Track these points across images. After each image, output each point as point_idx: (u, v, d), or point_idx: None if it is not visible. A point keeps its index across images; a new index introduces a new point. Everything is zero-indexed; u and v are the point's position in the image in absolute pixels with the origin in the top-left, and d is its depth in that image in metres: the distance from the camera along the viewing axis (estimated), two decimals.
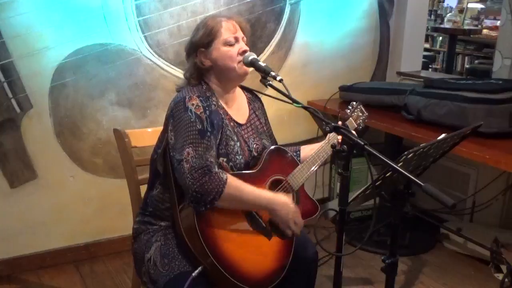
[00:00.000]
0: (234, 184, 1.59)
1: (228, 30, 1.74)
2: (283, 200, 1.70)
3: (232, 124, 1.78)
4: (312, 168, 1.84)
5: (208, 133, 1.63)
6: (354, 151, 1.50)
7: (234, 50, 1.74)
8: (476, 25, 6.67)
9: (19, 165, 2.66)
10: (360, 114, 2.01)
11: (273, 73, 1.68)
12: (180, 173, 1.57)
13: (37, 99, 2.63)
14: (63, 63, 2.64)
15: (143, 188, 1.91)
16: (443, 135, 1.62)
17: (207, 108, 1.67)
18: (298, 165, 1.84)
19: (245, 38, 1.79)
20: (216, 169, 1.58)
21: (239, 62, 1.74)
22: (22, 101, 2.60)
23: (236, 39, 1.75)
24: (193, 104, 1.65)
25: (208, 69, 1.76)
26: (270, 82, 1.73)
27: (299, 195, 1.84)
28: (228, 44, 1.73)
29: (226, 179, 1.57)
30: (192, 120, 1.62)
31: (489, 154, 2.30)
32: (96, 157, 2.84)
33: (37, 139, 2.68)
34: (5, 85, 2.55)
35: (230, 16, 1.81)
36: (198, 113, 1.64)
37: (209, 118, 1.65)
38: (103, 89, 2.76)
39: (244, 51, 1.75)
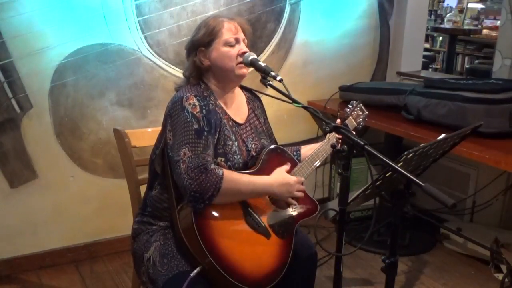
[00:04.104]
0: (231, 177, 1.60)
1: (229, 30, 1.74)
2: (280, 180, 1.72)
3: (230, 123, 1.78)
4: (311, 168, 1.85)
5: (205, 133, 1.63)
6: (354, 151, 1.50)
7: (233, 51, 1.73)
8: (476, 25, 6.67)
9: (19, 165, 2.67)
10: (360, 113, 2.01)
11: (273, 73, 1.69)
12: (178, 174, 1.57)
13: (37, 99, 2.63)
14: (63, 63, 2.64)
15: (143, 188, 1.91)
16: (443, 135, 1.62)
17: (204, 107, 1.67)
18: (297, 164, 1.85)
19: (246, 40, 1.79)
20: (212, 166, 1.58)
21: (238, 63, 1.74)
22: (22, 101, 2.61)
23: (237, 40, 1.75)
24: (190, 104, 1.65)
25: (207, 69, 1.76)
26: (270, 82, 1.73)
27: None
28: (228, 44, 1.73)
29: (223, 174, 1.57)
30: (188, 120, 1.62)
31: (489, 154, 2.29)
32: (96, 157, 2.84)
33: (37, 139, 2.68)
34: (5, 85, 2.55)
35: (233, 17, 1.80)
36: (195, 112, 1.64)
37: (205, 117, 1.65)
38: (103, 89, 2.76)
39: (244, 53, 1.75)
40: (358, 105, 2.01)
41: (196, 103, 1.66)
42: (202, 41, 1.74)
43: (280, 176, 1.75)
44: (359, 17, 3.46)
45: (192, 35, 1.79)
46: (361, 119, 2.01)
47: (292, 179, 1.76)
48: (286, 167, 1.80)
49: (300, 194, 1.78)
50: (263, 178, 1.71)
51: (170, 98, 1.73)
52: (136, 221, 1.83)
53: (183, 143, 1.59)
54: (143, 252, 1.73)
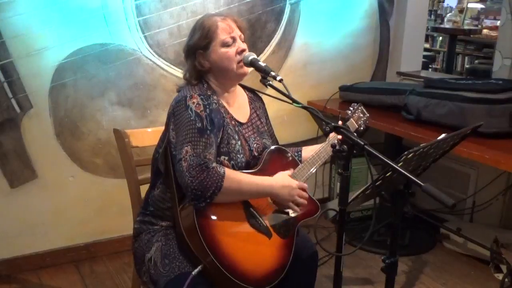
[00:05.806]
0: (233, 177, 1.60)
1: (224, 30, 1.73)
2: (281, 182, 1.71)
3: (233, 123, 1.78)
4: (312, 168, 1.85)
5: (208, 131, 1.63)
6: (354, 151, 1.50)
7: (232, 51, 1.73)
8: (476, 25, 6.67)
9: (19, 165, 2.66)
10: (361, 115, 2.01)
11: (273, 73, 1.69)
12: (179, 172, 1.58)
13: (37, 99, 2.63)
14: (63, 63, 2.64)
15: (143, 188, 1.91)
16: (443, 135, 1.62)
17: (207, 106, 1.67)
18: (299, 165, 1.85)
19: (242, 36, 1.78)
20: (214, 164, 1.58)
21: (238, 62, 1.74)
22: (22, 101, 2.60)
23: (233, 39, 1.74)
24: (193, 103, 1.65)
25: (207, 71, 1.76)
26: (270, 82, 1.73)
27: None
28: (226, 45, 1.73)
29: (224, 173, 1.57)
30: (192, 118, 1.63)
31: (489, 154, 2.30)
32: (96, 157, 2.84)
33: (37, 139, 2.68)
34: (5, 85, 2.55)
35: (225, 15, 1.79)
36: (198, 111, 1.64)
37: (209, 116, 1.65)
38: (103, 89, 2.76)
39: (242, 50, 1.75)
40: (359, 108, 2.01)
41: (200, 102, 1.66)
42: (199, 44, 1.74)
43: (282, 178, 1.74)
44: (359, 17, 3.46)
45: (187, 38, 1.78)
46: (362, 122, 2.01)
47: (294, 182, 1.74)
48: (289, 172, 1.79)
49: (302, 200, 1.76)
50: (265, 179, 1.71)
51: (174, 97, 1.73)
52: (138, 220, 1.83)
53: (185, 141, 1.59)
54: (144, 252, 1.73)
